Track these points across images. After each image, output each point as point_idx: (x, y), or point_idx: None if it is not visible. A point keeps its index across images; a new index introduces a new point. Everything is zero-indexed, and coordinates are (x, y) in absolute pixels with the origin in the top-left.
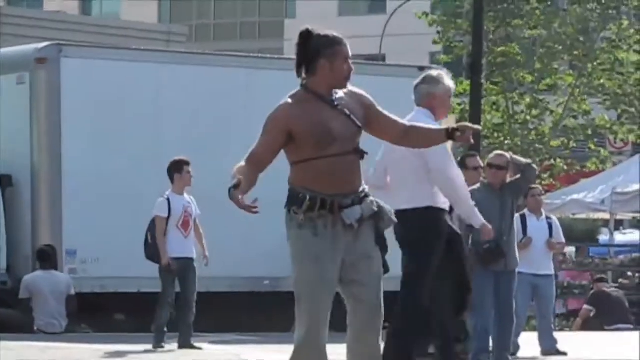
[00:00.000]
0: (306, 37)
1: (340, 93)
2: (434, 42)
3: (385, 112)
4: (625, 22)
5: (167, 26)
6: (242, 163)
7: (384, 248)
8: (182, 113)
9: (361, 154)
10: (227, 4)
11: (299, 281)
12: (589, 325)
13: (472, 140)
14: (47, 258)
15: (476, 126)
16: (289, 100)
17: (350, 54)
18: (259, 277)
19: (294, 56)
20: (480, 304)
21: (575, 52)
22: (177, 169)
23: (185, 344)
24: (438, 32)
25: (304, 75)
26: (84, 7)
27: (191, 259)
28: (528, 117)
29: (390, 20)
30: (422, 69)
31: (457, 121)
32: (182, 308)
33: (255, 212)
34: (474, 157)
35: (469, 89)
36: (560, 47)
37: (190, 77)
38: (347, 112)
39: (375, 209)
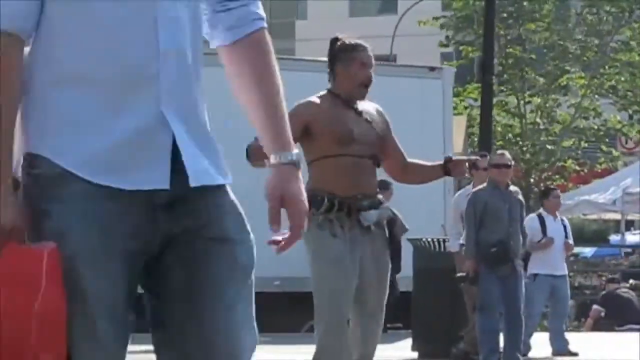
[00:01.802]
0: (332, 43)
1: (365, 104)
2: (441, 45)
3: (397, 142)
4: (639, 26)
5: None
6: None
7: (398, 253)
8: None
9: (378, 161)
10: None
11: (319, 282)
12: (599, 325)
13: (467, 174)
14: None
15: (473, 157)
16: (313, 98)
17: (370, 61)
18: (269, 277)
19: (305, 57)
20: (488, 305)
21: (588, 54)
22: None
23: None
24: (447, 37)
25: (331, 80)
26: None
27: None
28: (539, 119)
29: (402, 21)
30: (433, 69)
31: (468, 126)
32: None
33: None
34: (484, 157)
35: (477, 92)
36: (574, 48)
37: (203, 78)
38: (369, 119)
39: (391, 214)
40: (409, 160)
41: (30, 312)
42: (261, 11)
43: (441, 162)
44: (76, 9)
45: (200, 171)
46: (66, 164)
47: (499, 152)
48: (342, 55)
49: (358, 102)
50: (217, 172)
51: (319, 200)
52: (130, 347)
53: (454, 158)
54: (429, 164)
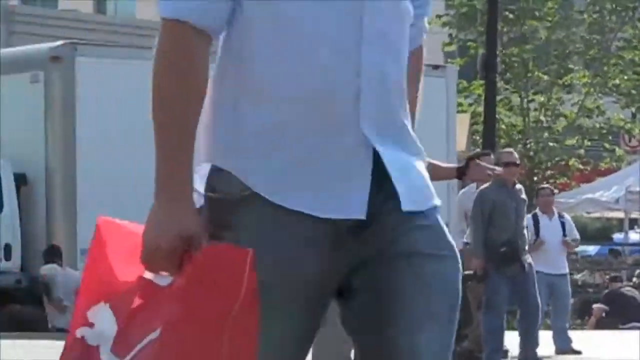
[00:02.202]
0: None
1: None
2: (445, 45)
3: None
4: None
5: None
6: None
7: None
8: None
9: None
10: None
11: None
12: (603, 324)
13: (487, 178)
14: (60, 254)
15: (494, 167)
16: None
17: None
18: None
19: None
20: (494, 304)
21: (591, 52)
22: None
23: None
24: (450, 35)
25: None
26: (98, 5)
27: None
28: (542, 117)
29: None
30: (436, 67)
31: (471, 124)
32: None
33: None
34: (487, 155)
35: (482, 88)
36: (576, 47)
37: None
38: None
39: None
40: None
41: (226, 318)
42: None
43: (457, 165)
44: (275, 23)
45: (410, 194)
46: (254, 184)
47: (507, 150)
48: None
49: None
50: (426, 195)
51: None
52: None
53: (477, 161)
54: (443, 164)
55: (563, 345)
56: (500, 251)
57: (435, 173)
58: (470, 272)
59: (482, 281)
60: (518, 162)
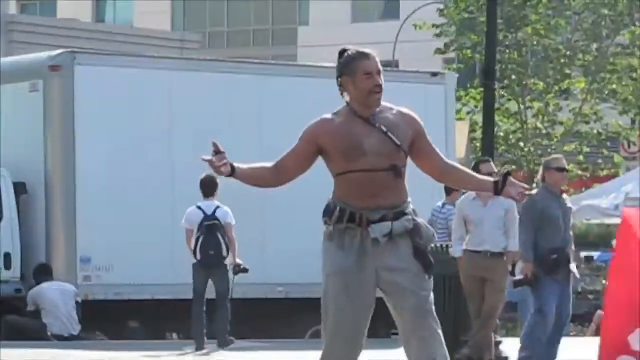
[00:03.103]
0: (338, 55)
1: (387, 112)
2: (438, 52)
3: (432, 145)
4: (638, 30)
5: (180, 33)
6: (267, 169)
7: (427, 263)
8: (195, 120)
9: (398, 171)
10: (240, 11)
11: (325, 293)
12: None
13: (519, 197)
14: (49, 271)
15: (526, 186)
16: (327, 115)
17: (376, 68)
18: (273, 283)
19: (307, 62)
20: (545, 311)
21: (588, 58)
22: (214, 186)
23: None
24: (445, 44)
25: (342, 92)
26: (97, 14)
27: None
28: (539, 124)
29: (404, 27)
30: (435, 74)
31: (470, 129)
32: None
33: (209, 160)
34: (487, 162)
35: (479, 97)
36: (572, 53)
37: (204, 84)
38: (384, 130)
39: (410, 225)
40: (454, 165)
41: None
42: None
43: (494, 178)
44: None
45: None
46: None
47: (555, 155)
48: (345, 68)
49: (376, 110)
50: None
51: (331, 209)
52: (144, 354)
53: (509, 181)
54: (481, 177)
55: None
56: (552, 258)
57: (471, 183)
58: (521, 277)
59: (532, 285)
60: (567, 167)
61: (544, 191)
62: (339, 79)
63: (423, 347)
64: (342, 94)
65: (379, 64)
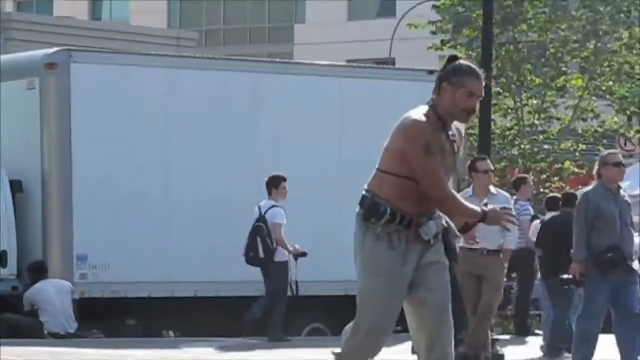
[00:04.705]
0: (449, 59)
1: (454, 129)
2: (435, 48)
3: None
4: (637, 29)
5: (176, 31)
6: (460, 199)
7: (454, 258)
8: (192, 117)
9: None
10: (236, 9)
11: (367, 291)
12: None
13: (505, 223)
14: (44, 269)
15: (509, 206)
16: (422, 117)
17: (480, 92)
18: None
19: (303, 60)
20: (592, 311)
21: (585, 55)
22: (274, 183)
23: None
24: (442, 41)
25: (435, 93)
26: (93, 12)
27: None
28: (536, 121)
29: (400, 24)
30: (431, 72)
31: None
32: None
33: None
34: (484, 160)
35: None
36: (570, 48)
37: (200, 82)
38: (456, 148)
39: (445, 224)
40: (453, 192)
41: None
42: None
43: (484, 209)
44: None
45: None
46: None
47: (611, 151)
48: (453, 77)
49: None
50: None
51: (382, 211)
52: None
53: (490, 207)
54: (471, 206)
55: None
56: (607, 256)
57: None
58: (570, 276)
59: (580, 285)
60: (623, 162)
61: (600, 187)
62: (440, 82)
63: (444, 344)
64: (436, 94)
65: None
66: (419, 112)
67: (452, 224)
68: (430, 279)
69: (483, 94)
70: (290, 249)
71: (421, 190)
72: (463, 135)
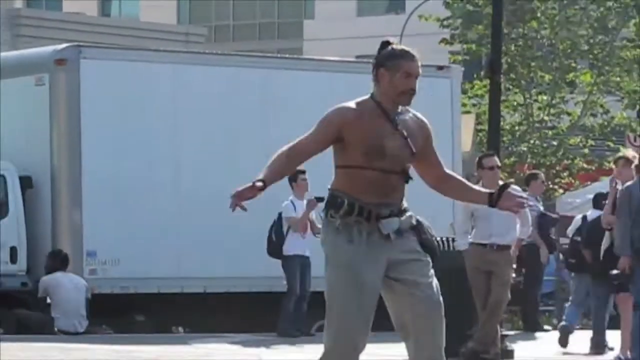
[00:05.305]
0: (381, 46)
1: (406, 115)
2: (445, 43)
3: (436, 153)
4: None
5: (185, 27)
6: (281, 157)
7: (435, 255)
8: (201, 113)
9: (407, 177)
10: (246, 5)
11: (331, 286)
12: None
13: (516, 210)
14: (66, 261)
15: (525, 195)
16: (352, 105)
17: (417, 72)
18: (277, 277)
19: (313, 56)
20: None
21: (595, 51)
22: (293, 177)
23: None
24: (452, 36)
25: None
26: (102, 8)
27: (307, 257)
28: (546, 117)
29: (409, 20)
30: (441, 68)
31: (476, 123)
32: (299, 300)
33: (236, 208)
34: (491, 156)
35: (484, 89)
36: (579, 46)
37: (209, 78)
38: (405, 135)
39: (414, 222)
40: (453, 175)
41: None
42: None
43: (489, 190)
44: None
45: None
46: None
47: None
48: (387, 61)
49: (400, 111)
50: None
51: (339, 202)
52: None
53: (509, 190)
54: (476, 188)
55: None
56: None
57: (467, 195)
58: (618, 271)
59: (630, 280)
60: None
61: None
62: (376, 69)
63: (434, 339)
64: (375, 84)
65: (420, 68)
66: (349, 102)
67: (424, 222)
68: (415, 275)
69: (420, 72)
70: (305, 204)
71: (372, 178)
72: (430, 130)
